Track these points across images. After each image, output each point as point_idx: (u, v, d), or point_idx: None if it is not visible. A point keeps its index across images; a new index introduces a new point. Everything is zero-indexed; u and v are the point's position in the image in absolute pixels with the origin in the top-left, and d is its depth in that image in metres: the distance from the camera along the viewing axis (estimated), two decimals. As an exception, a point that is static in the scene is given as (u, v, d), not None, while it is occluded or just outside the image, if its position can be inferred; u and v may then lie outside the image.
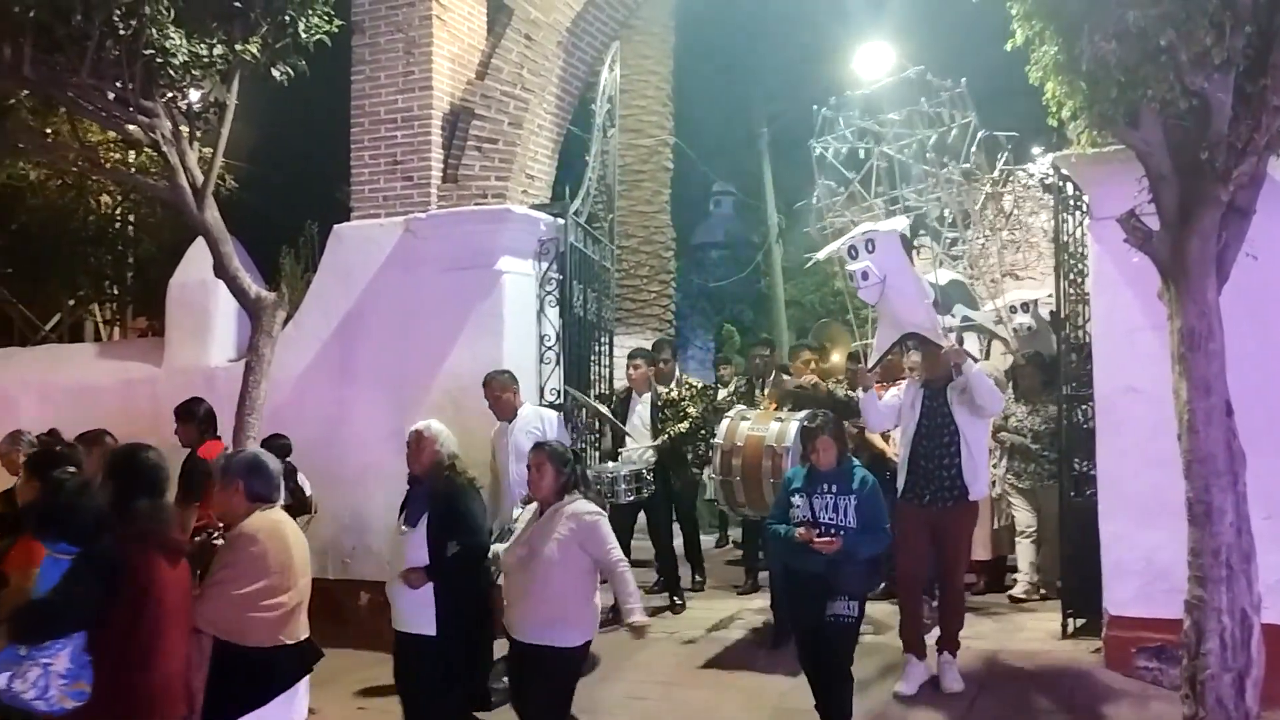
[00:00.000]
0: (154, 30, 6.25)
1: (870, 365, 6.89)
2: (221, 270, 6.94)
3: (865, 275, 6.35)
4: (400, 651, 5.76)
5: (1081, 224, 7.39)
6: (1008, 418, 8.44)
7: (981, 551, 8.59)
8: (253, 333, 7.02)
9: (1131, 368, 6.62)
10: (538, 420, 7.49)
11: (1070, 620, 7.36)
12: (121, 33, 6.19)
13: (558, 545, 5.21)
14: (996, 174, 7.80)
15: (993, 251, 9.77)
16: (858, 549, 5.63)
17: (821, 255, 7.03)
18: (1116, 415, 6.78)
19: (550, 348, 8.80)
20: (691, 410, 8.61)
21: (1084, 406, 7.30)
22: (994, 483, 8.45)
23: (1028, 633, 7.56)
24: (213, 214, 6.89)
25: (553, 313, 8.84)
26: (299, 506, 8.01)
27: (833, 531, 5.62)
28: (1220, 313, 4.90)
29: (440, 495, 5.75)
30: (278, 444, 8.07)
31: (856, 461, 5.95)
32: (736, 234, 28.65)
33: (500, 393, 7.51)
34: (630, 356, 9.03)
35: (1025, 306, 9.46)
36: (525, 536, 5.39)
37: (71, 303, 13.73)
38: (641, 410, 8.66)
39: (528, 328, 8.74)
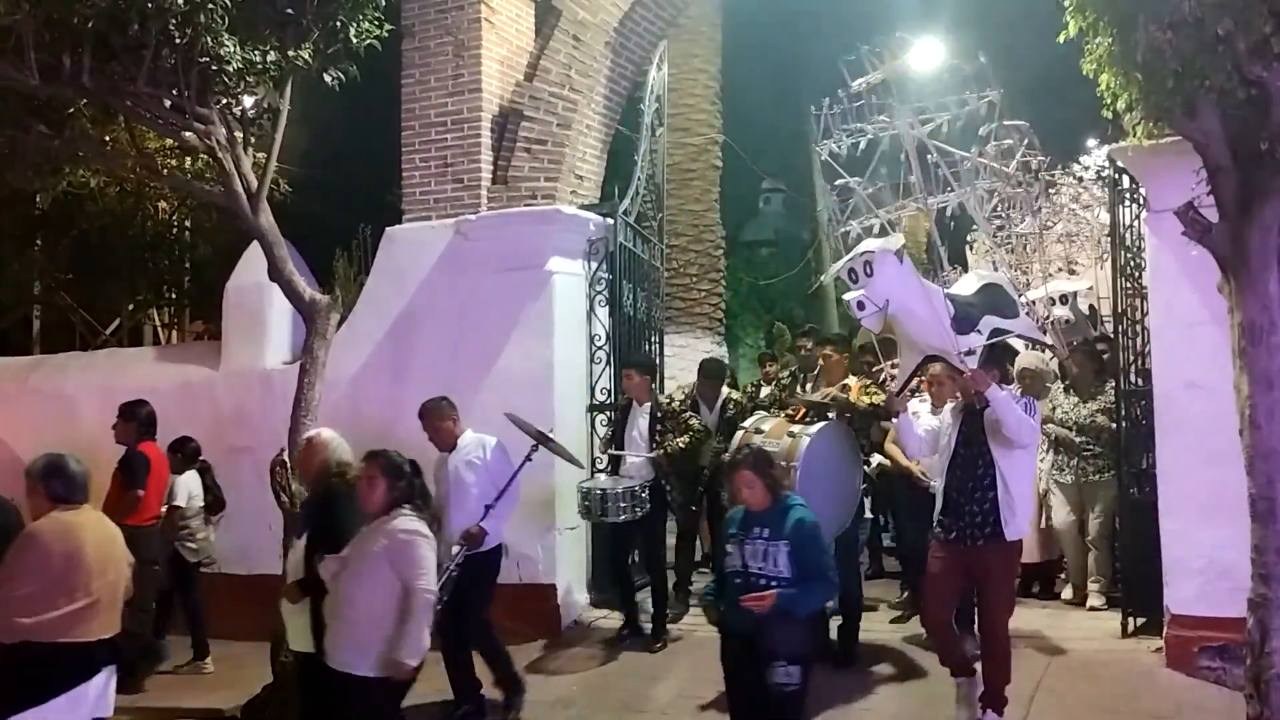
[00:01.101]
0: (209, 38, 6.33)
1: (897, 390, 6.39)
2: (276, 274, 7.02)
3: (861, 305, 5.75)
4: (299, 674, 5.56)
5: (1138, 217, 7.29)
6: (1054, 408, 8.10)
7: (1032, 554, 8.16)
8: (307, 335, 7.09)
9: (1191, 362, 6.52)
10: (479, 448, 6.85)
11: (1130, 619, 7.26)
12: (177, 41, 6.28)
13: (366, 561, 4.87)
14: (1017, 161, 7.46)
15: (1038, 241, 9.58)
16: (793, 605, 4.79)
17: (827, 278, 6.51)
18: (1176, 411, 6.67)
19: (600, 347, 8.84)
20: (694, 423, 7.86)
21: (1142, 402, 7.19)
22: (1040, 476, 8.12)
23: (1086, 632, 7.46)
24: (267, 218, 6.98)
25: (603, 312, 8.87)
26: (216, 504, 8.29)
27: (763, 584, 4.85)
28: (1283, 306, 4.81)
29: (318, 503, 5.57)
30: (189, 447, 8.30)
31: (798, 499, 5.09)
32: (786, 231, 28.54)
33: (438, 422, 6.94)
34: (624, 366, 8.29)
35: (1064, 299, 9.27)
36: (343, 551, 5.05)
37: (131, 307, 13.96)
38: (641, 422, 7.92)
39: (578, 327, 8.78)
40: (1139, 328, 7.31)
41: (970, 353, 5.91)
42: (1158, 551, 6.73)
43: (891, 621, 7.86)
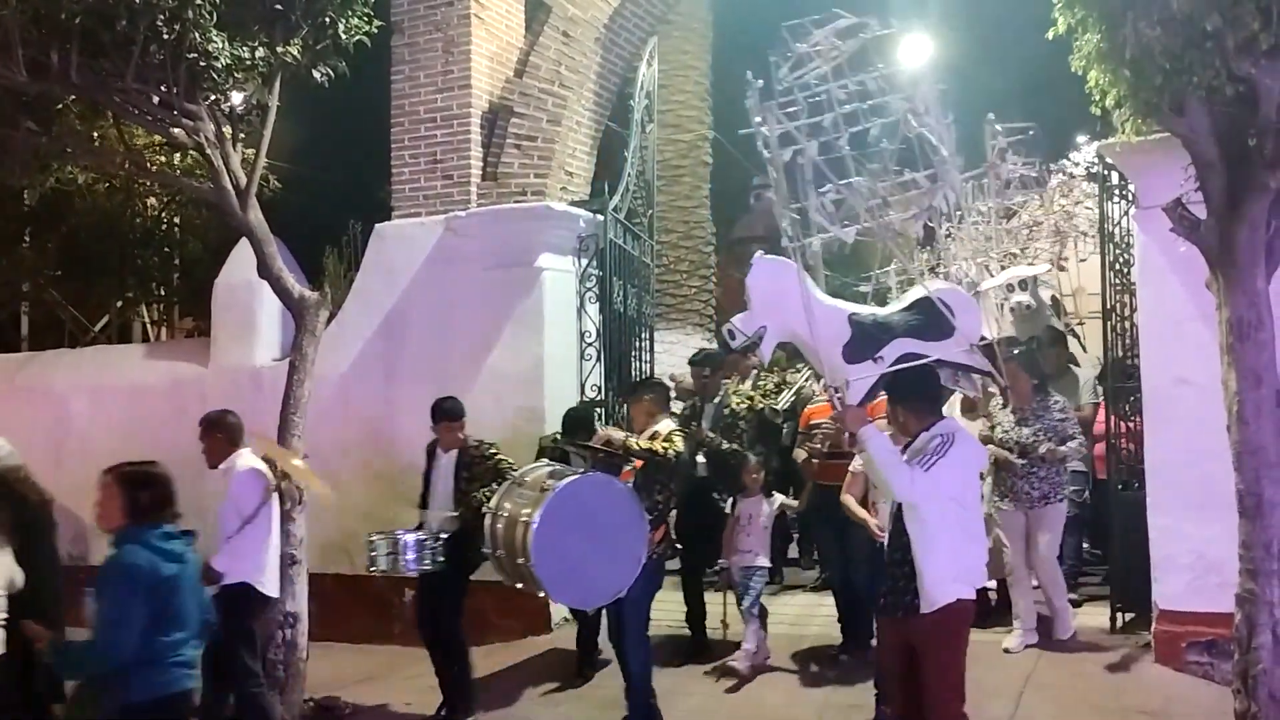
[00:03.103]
0: (197, 34, 6.31)
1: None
2: (265, 271, 7.00)
3: (732, 335, 4.95)
4: None
5: (1127, 213, 7.31)
6: (994, 427, 7.23)
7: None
8: (297, 332, 7.07)
9: (1180, 359, 6.53)
10: (230, 473, 6.17)
11: (1119, 614, 7.28)
12: (165, 37, 6.26)
13: None
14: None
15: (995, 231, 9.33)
16: (64, 665, 4.20)
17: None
18: (1165, 407, 6.69)
19: (591, 344, 8.83)
20: (505, 468, 6.58)
21: (1131, 398, 7.21)
22: (981, 496, 6.92)
23: (1075, 627, 7.47)
24: (256, 215, 6.96)
25: (593, 309, 8.87)
26: None
27: None
28: (1270, 302, 4.82)
29: None
30: None
31: (137, 537, 4.02)
32: (777, 228, 28.47)
33: (203, 439, 6.34)
34: (435, 417, 6.94)
35: (1023, 284, 8.94)
36: None
37: (120, 304, 13.92)
38: (446, 466, 6.89)
39: (568, 324, 8.78)
40: (1128, 324, 7.33)
41: (843, 384, 4.84)
42: (1145, 547, 6.74)
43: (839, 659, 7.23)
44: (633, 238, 9.37)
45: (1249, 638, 4.77)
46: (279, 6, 6.68)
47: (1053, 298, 9.80)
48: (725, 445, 7.57)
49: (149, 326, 15.05)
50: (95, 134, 8.22)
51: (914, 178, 4.80)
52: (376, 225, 9.24)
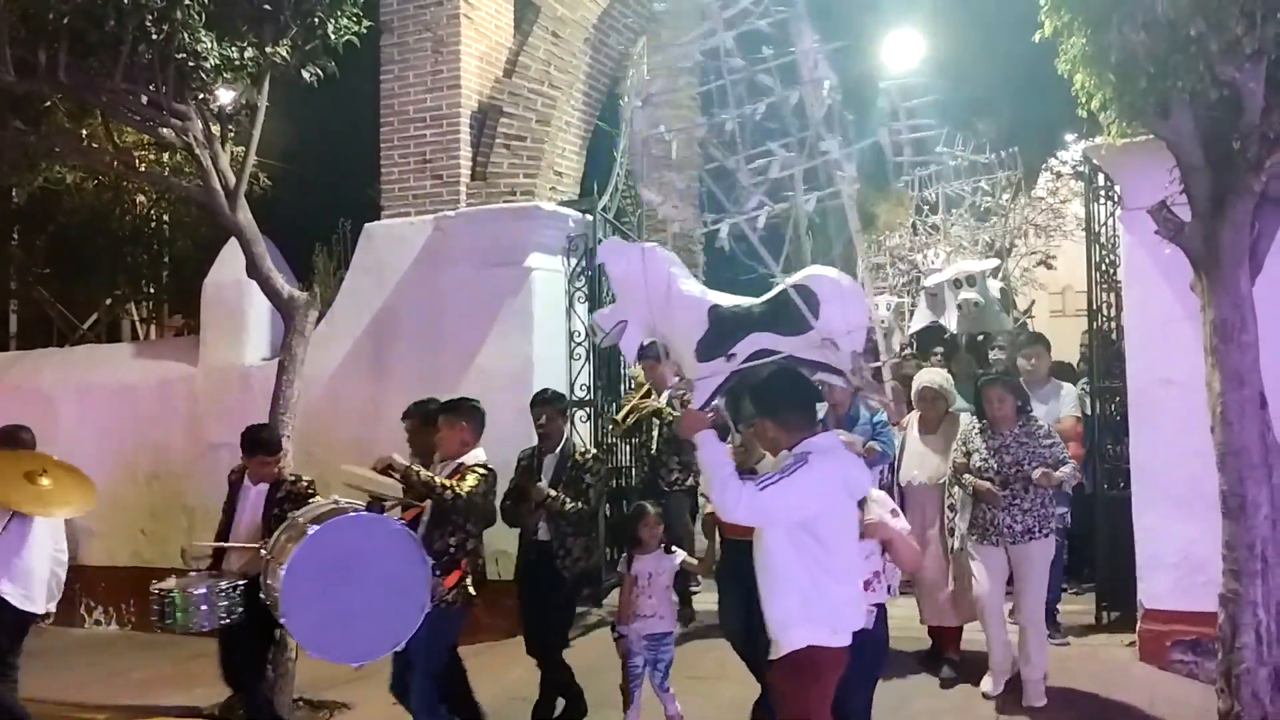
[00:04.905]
0: (186, 34, 6.33)
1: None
2: (254, 270, 7.01)
3: (592, 330, 4.56)
4: None
5: (1113, 214, 7.34)
6: (970, 454, 6.30)
7: (950, 617, 6.63)
8: (286, 331, 7.09)
9: (1166, 359, 6.55)
10: None
11: (1104, 613, 7.32)
12: (154, 37, 6.28)
13: None
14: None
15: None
16: None
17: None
18: (1151, 407, 6.71)
19: (580, 344, 8.84)
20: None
21: (1116, 398, 7.25)
22: (952, 530, 6.50)
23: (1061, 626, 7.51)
24: (245, 215, 6.97)
25: (582, 309, 8.88)
26: None
27: None
28: (1254, 304, 4.86)
29: None
30: None
31: None
32: (766, 227, 28.53)
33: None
34: (248, 449, 6.31)
35: (970, 280, 8.67)
36: None
37: (108, 302, 13.91)
38: (255, 500, 6.28)
39: (557, 324, 8.78)
40: (1113, 324, 7.37)
41: (686, 382, 4.28)
42: (1131, 546, 6.77)
43: None
44: (622, 237, 9.39)
45: (1233, 637, 4.82)
46: (268, 7, 6.70)
47: (1001, 289, 9.67)
48: (569, 504, 6.15)
49: (138, 325, 15.03)
50: (84, 133, 8.23)
51: (771, 148, 4.30)
52: (366, 225, 9.24)
